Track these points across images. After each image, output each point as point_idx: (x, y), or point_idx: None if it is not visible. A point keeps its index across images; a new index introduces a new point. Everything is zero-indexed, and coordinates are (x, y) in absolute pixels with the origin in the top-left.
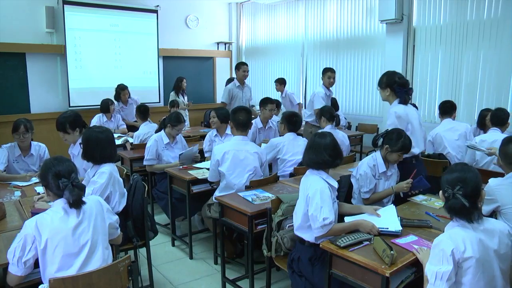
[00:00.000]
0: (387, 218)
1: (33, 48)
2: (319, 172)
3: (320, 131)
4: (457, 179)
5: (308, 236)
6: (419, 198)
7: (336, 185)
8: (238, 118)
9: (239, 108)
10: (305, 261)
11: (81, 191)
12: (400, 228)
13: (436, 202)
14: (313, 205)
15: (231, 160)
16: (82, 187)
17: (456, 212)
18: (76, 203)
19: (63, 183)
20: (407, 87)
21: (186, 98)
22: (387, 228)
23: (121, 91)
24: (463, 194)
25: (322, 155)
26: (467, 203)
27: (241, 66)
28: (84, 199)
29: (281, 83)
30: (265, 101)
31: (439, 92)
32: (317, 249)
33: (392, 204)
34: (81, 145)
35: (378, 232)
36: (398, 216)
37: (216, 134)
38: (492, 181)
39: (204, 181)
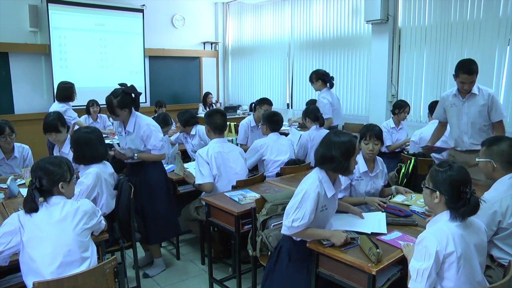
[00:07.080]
0: (373, 222)
1: (16, 48)
2: (321, 171)
3: (306, 132)
4: (465, 177)
5: None
6: (400, 199)
7: (330, 194)
8: (216, 121)
9: (215, 111)
10: (285, 250)
11: (33, 199)
12: (385, 231)
13: (419, 201)
14: (292, 201)
15: (220, 164)
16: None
17: (471, 211)
18: (25, 208)
19: (32, 184)
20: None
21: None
22: (371, 232)
23: (91, 106)
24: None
25: (333, 149)
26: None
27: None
28: (73, 199)
29: None
30: (262, 101)
31: (424, 91)
32: (296, 243)
33: (384, 212)
34: (72, 149)
35: (348, 240)
36: (386, 224)
37: (185, 136)
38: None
39: None
